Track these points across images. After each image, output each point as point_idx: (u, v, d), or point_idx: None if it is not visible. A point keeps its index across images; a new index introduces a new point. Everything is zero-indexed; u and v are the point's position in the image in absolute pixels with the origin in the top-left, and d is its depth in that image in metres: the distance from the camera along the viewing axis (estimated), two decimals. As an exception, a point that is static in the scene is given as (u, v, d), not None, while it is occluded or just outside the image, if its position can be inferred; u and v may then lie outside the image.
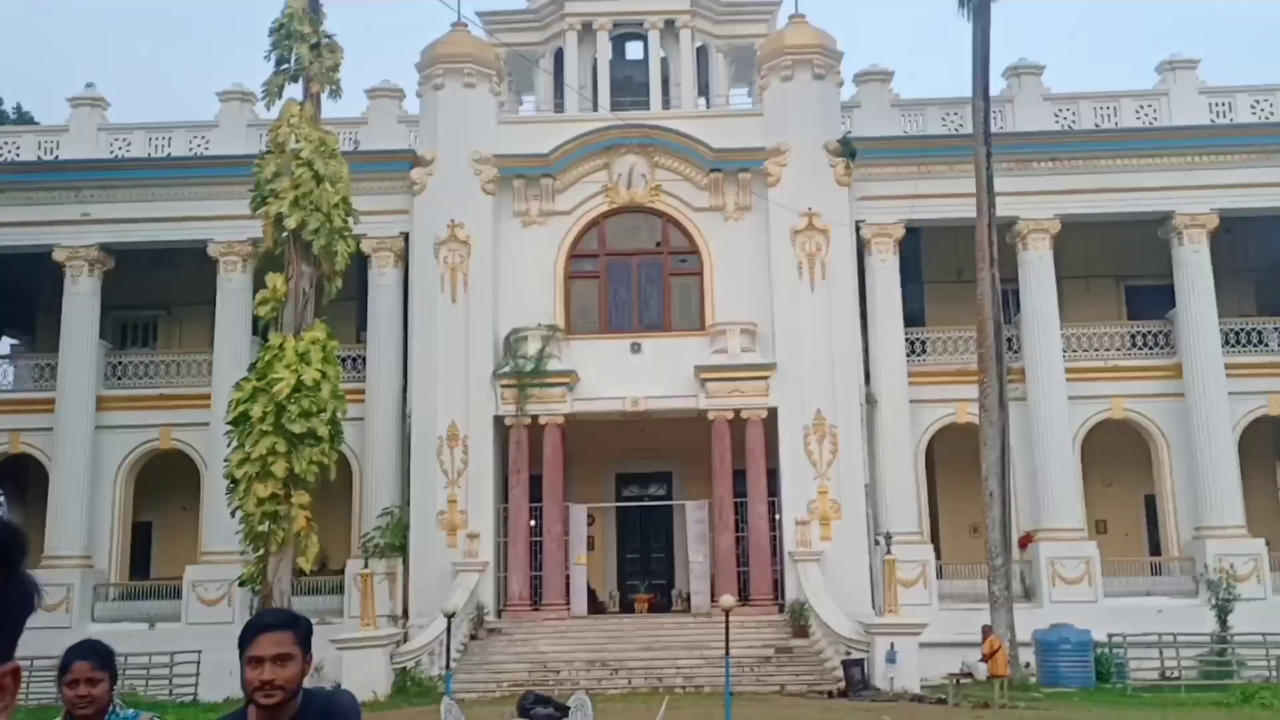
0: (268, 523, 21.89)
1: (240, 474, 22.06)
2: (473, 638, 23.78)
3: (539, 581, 25.37)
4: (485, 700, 20.22)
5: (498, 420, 25.91)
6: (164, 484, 28.45)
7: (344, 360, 24.68)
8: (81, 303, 27.50)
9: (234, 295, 27.18)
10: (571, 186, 26.96)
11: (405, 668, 22.45)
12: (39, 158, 28.01)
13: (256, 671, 2.99)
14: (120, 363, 28.90)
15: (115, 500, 27.53)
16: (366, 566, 23.64)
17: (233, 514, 22.58)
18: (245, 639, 3.02)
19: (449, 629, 20.20)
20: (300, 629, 3.07)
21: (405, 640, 23.54)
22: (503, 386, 25.64)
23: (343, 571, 25.77)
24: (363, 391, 26.47)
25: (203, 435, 26.75)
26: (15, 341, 33.53)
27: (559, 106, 31.15)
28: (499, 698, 20.29)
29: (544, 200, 26.84)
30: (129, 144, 28.17)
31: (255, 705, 3.00)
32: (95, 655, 3.85)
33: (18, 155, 28.02)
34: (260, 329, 24.90)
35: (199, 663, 23.58)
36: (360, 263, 26.25)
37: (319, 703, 3.11)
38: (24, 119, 36.74)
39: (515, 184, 26.74)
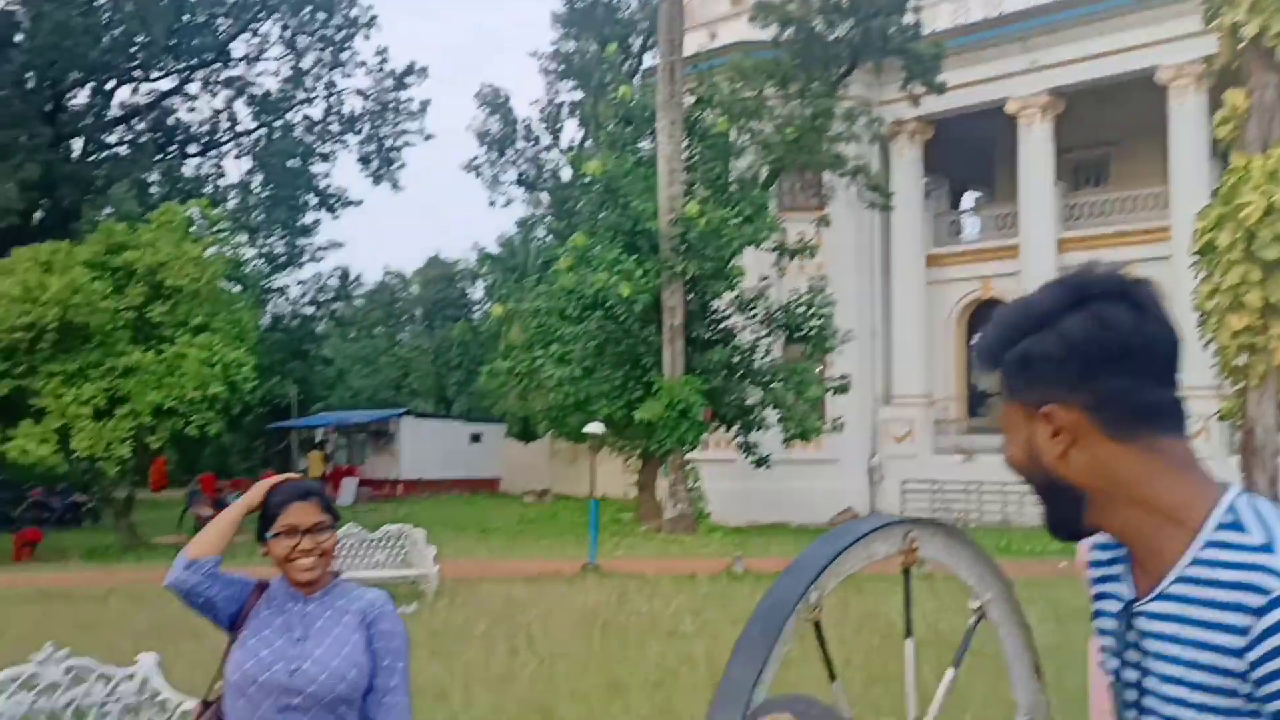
0: (1244, 355, 20.73)
1: (1210, 306, 21.10)
2: None
3: None
4: None
5: None
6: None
7: (1322, 175, 21.96)
8: (1035, 149, 28.45)
9: (1187, 120, 25.84)
10: None
11: None
12: (984, 16, 29.29)
13: None
14: (1075, 204, 29.44)
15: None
16: (1364, 403, 21.07)
17: (1204, 347, 21.74)
18: None
19: None
20: None
21: None
22: None
23: (1334, 409, 23.33)
24: (1348, 208, 23.35)
25: (1163, 269, 26.10)
26: (977, 194, 36.12)
27: None
28: None
29: None
30: (1069, -17, 28.06)
31: None
32: None
33: (967, 17, 29.62)
34: (1220, 151, 23.29)
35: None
36: (1335, 61, 22.93)
37: None
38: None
39: None
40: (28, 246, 21.98)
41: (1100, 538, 1.45)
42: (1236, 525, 1.28)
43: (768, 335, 26.46)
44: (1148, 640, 1.35)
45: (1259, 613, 1.21)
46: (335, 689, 2.90)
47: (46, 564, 18.86)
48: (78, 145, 40.21)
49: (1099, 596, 1.48)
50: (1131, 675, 1.38)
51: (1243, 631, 1.22)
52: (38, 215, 35.91)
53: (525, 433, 39.68)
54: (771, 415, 25.79)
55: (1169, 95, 26.23)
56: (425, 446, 40.40)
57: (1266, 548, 1.24)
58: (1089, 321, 1.31)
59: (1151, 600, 1.35)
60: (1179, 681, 1.30)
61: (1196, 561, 1.29)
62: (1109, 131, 29.72)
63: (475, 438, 42.48)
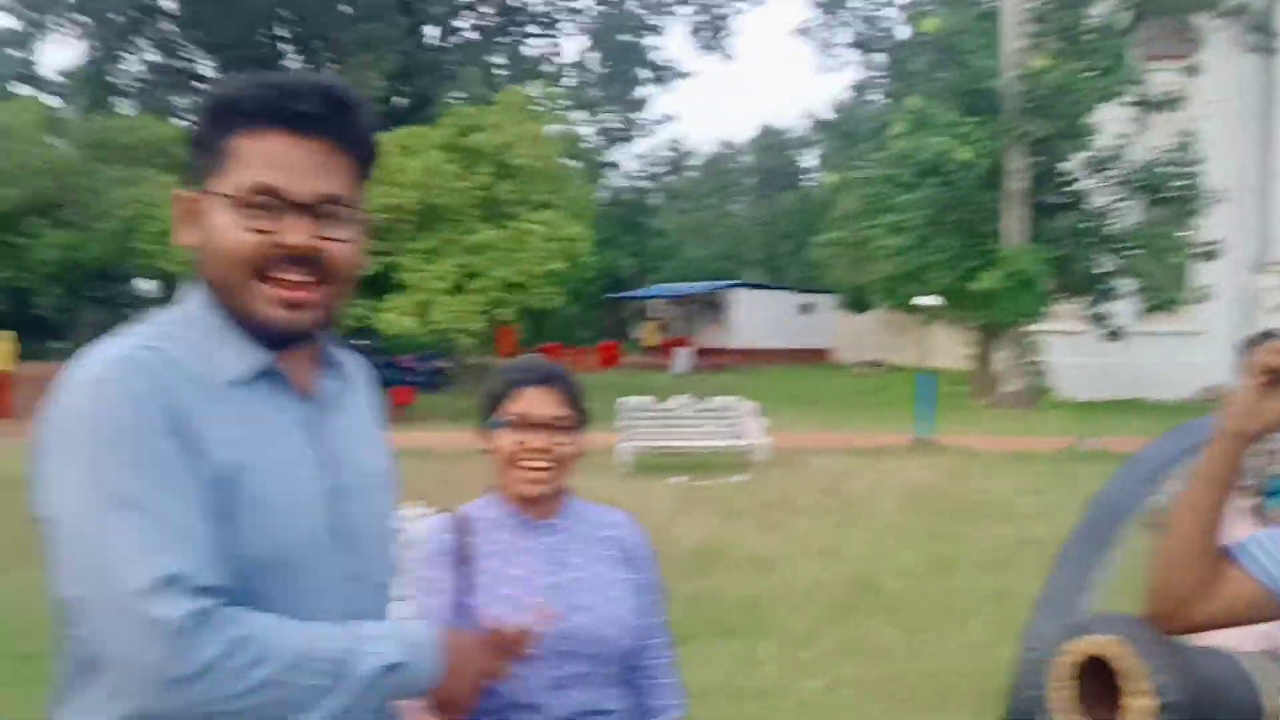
0: None
1: None
2: None
3: None
4: None
5: None
6: None
7: None
8: None
9: None
10: None
11: None
12: None
13: None
14: None
15: None
16: None
17: None
18: None
19: None
20: None
21: None
22: None
23: None
24: None
25: None
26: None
27: None
28: None
29: None
30: None
31: None
32: None
33: None
34: None
35: None
36: None
37: None
38: None
39: None
40: (390, 132, 23.60)
41: None
42: None
43: (1124, 199, 24.37)
44: None
45: None
46: (621, 644, 2.16)
47: (413, 423, 20.68)
48: (430, 33, 42.59)
49: None
50: None
51: None
52: (398, 101, 38.52)
53: (857, 303, 39.07)
54: (1127, 285, 23.92)
55: None
56: (756, 316, 40.71)
57: None
58: None
59: None
60: None
61: None
62: None
63: (806, 308, 42.31)
